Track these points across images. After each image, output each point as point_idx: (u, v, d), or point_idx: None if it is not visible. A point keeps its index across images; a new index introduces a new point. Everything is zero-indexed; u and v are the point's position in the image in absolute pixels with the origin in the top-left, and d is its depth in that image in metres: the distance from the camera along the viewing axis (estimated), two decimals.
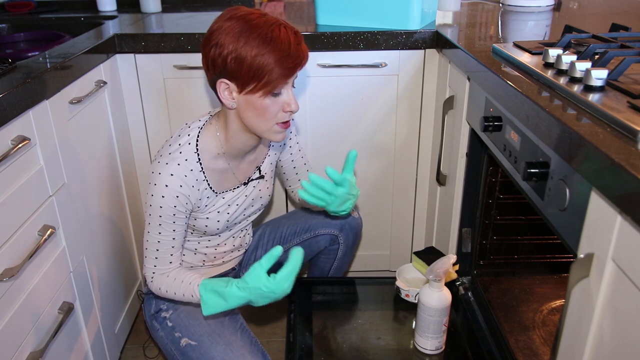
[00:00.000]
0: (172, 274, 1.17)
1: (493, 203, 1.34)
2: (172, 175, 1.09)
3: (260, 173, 1.28)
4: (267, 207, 1.71)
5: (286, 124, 1.10)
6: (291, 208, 1.71)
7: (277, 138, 1.11)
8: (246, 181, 1.25)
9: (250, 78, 1.02)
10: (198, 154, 1.13)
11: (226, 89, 1.06)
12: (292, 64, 1.02)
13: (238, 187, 1.24)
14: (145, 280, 1.33)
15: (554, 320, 1.26)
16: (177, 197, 1.11)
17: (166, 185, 1.09)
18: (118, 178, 1.51)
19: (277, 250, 1.05)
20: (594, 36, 1.03)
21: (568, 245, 0.75)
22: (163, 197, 1.10)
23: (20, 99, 0.96)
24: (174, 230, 1.14)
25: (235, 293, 1.06)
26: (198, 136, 1.14)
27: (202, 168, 1.14)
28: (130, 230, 1.61)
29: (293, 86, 1.09)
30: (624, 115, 0.68)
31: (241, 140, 1.15)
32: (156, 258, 1.17)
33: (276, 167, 1.37)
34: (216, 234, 1.26)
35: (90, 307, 1.29)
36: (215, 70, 1.04)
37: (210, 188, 1.17)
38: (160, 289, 1.17)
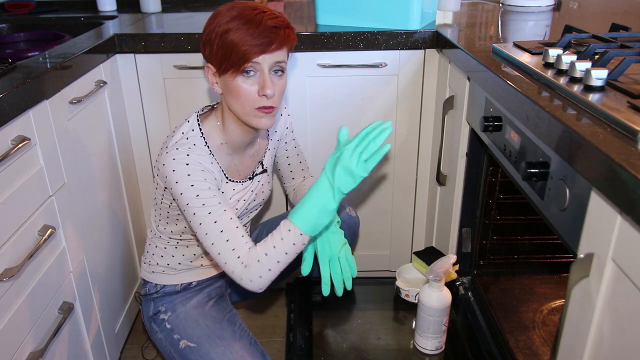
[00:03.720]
0: (258, 244, 1.05)
1: (493, 203, 1.34)
2: (188, 155, 1.07)
3: (263, 167, 1.28)
4: (267, 206, 1.71)
5: (267, 109, 1.07)
6: (291, 208, 1.71)
7: (260, 124, 1.08)
8: (251, 176, 1.25)
9: (221, 57, 1.04)
10: (204, 138, 1.13)
11: (210, 73, 1.09)
12: (259, 41, 1.01)
13: (245, 181, 1.24)
14: (144, 283, 1.32)
15: (554, 320, 1.26)
16: (203, 170, 1.07)
17: (187, 164, 1.06)
18: (118, 178, 1.51)
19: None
20: (594, 36, 1.03)
21: (568, 245, 0.75)
22: (189, 175, 1.05)
23: (20, 99, 0.96)
24: (219, 203, 1.06)
25: (321, 178, 1.02)
26: (199, 122, 1.14)
27: (211, 151, 1.13)
28: (130, 231, 1.61)
29: (280, 73, 1.07)
30: (624, 115, 0.68)
31: (238, 131, 1.15)
32: (227, 241, 1.04)
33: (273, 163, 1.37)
34: None
35: (90, 307, 1.29)
36: (203, 58, 1.09)
37: (222, 171, 1.16)
38: (259, 261, 1.02)
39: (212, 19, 1.06)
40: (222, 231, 1.04)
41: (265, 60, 1.03)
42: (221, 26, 1.02)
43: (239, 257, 1.03)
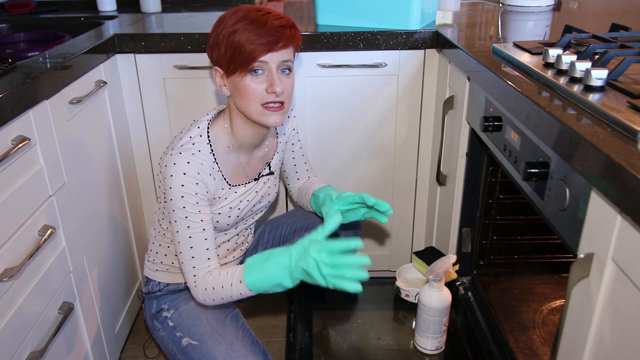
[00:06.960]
0: (214, 271, 1.10)
1: (493, 203, 1.34)
2: (188, 163, 1.08)
3: (270, 169, 1.28)
4: (271, 206, 1.71)
5: (277, 107, 1.08)
6: (291, 208, 1.71)
7: (269, 121, 1.09)
8: (257, 177, 1.26)
9: (229, 59, 1.05)
10: (211, 145, 1.13)
11: (218, 75, 1.10)
12: (265, 40, 1.02)
13: (249, 182, 1.24)
14: (147, 281, 1.33)
15: (554, 320, 1.26)
16: (197, 184, 1.09)
17: (184, 173, 1.08)
18: (118, 178, 1.51)
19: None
20: (594, 36, 1.03)
21: (568, 245, 0.75)
22: (183, 185, 1.07)
23: (20, 99, 0.96)
24: (201, 221, 1.10)
25: (278, 252, 1.02)
26: (208, 128, 1.14)
27: (215, 159, 1.14)
28: (130, 230, 1.61)
29: (287, 72, 1.08)
30: (624, 115, 0.68)
31: (246, 132, 1.16)
32: (192, 257, 1.11)
33: None
34: (223, 231, 1.26)
35: (90, 307, 1.29)
36: (210, 61, 1.11)
37: (224, 179, 1.17)
38: (206, 289, 1.09)
39: (218, 23, 1.07)
40: (192, 247, 1.10)
41: (273, 59, 1.05)
42: (228, 28, 1.04)
43: (194, 276, 1.11)
